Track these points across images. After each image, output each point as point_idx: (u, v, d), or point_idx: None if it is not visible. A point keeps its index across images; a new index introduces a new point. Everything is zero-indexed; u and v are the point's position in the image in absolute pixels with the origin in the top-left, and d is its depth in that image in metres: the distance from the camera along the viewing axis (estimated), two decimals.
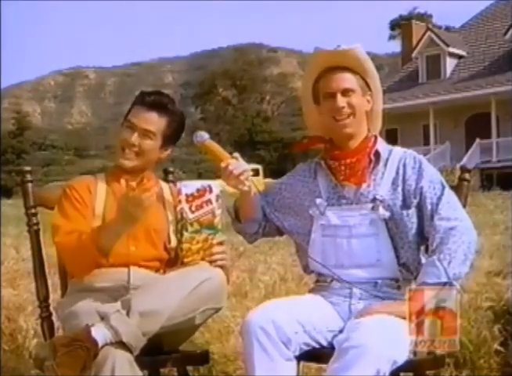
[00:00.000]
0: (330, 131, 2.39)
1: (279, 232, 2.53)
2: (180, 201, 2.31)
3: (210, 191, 2.30)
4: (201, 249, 2.31)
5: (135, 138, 2.42)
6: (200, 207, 2.30)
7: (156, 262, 2.45)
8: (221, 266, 2.32)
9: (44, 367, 2.04)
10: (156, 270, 2.44)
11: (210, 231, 2.31)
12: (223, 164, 2.31)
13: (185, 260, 2.32)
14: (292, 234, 2.47)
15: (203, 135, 2.39)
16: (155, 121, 2.43)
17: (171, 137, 2.49)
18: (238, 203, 2.46)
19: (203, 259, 2.31)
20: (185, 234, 2.30)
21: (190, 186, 2.31)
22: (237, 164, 2.31)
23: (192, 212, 2.29)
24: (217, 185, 2.33)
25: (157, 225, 2.45)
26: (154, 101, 2.44)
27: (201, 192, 2.30)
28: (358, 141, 2.38)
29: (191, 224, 2.30)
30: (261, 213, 2.48)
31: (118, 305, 2.17)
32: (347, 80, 2.35)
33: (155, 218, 2.45)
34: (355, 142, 2.37)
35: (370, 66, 2.38)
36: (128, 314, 2.12)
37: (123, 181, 2.45)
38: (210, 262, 2.31)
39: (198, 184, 2.32)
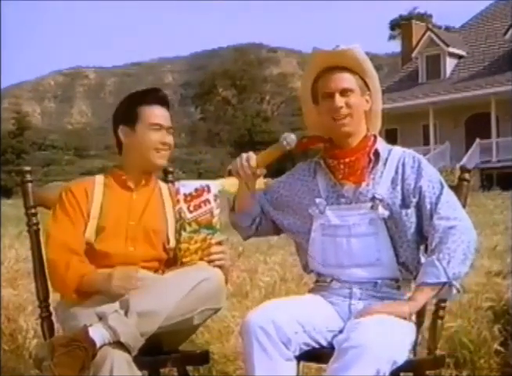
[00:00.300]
0: (329, 130, 2.39)
1: (275, 231, 2.53)
2: (178, 201, 2.31)
3: (209, 191, 2.30)
4: (199, 249, 2.31)
5: (169, 138, 2.49)
6: (199, 206, 2.30)
7: (155, 262, 2.45)
8: (220, 266, 2.32)
9: (42, 367, 2.04)
10: (155, 271, 2.44)
11: (209, 231, 2.31)
12: (243, 155, 2.33)
13: (184, 260, 2.32)
14: (291, 233, 2.47)
15: (292, 142, 2.32)
16: (168, 117, 2.52)
17: None
18: (236, 193, 2.47)
19: (201, 259, 2.31)
20: (184, 234, 2.30)
21: (188, 185, 2.32)
22: (247, 174, 2.31)
23: (191, 212, 2.29)
24: (215, 185, 2.33)
25: (156, 225, 2.45)
26: (163, 98, 2.52)
27: (199, 192, 2.30)
28: (357, 140, 2.38)
29: (189, 224, 2.30)
30: (258, 209, 2.48)
31: (116, 305, 2.17)
32: (346, 80, 2.35)
33: (154, 218, 2.46)
34: (353, 141, 2.37)
35: (369, 66, 2.39)
36: (126, 314, 2.12)
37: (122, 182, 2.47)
38: (209, 262, 2.31)
39: (196, 184, 2.32)
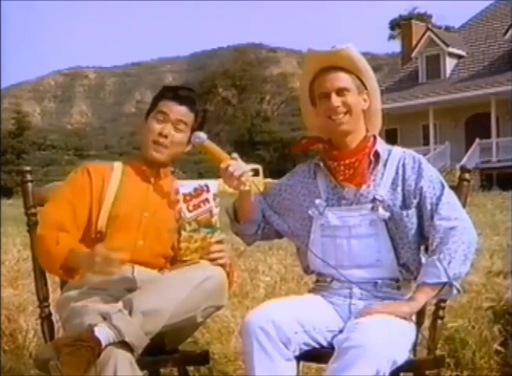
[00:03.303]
0: (327, 131, 2.39)
1: (278, 234, 2.53)
2: (178, 201, 2.32)
3: (208, 190, 2.32)
4: (199, 248, 2.32)
5: (168, 129, 2.45)
6: (198, 206, 2.31)
7: (162, 258, 2.46)
8: (221, 265, 2.33)
9: (49, 367, 2.04)
10: (161, 268, 2.44)
11: (208, 230, 2.32)
12: (223, 165, 2.31)
13: (184, 258, 2.33)
14: (292, 236, 2.47)
15: (202, 136, 2.42)
16: (186, 115, 2.47)
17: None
18: (237, 203, 2.46)
19: (201, 258, 2.32)
20: (184, 233, 2.32)
21: (187, 185, 2.34)
22: (237, 165, 2.31)
23: (190, 211, 2.31)
24: (214, 184, 2.34)
25: (171, 224, 2.42)
26: (186, 96, 2.49)
27: (198, 191, 2.32)
28: (356, 140, 2.37)
29: (189, 223, 2.31)
30: (260, 215, 2.48)
31: (120, 304, 2.17)
32: (342, 79, 2.34)
33: (170, 215, 2.42)
34: (352, 141, 2.37)
35: (364, 65, 2.37)
36: (130, 314, 2.12)
37: (141, 173, 2.48)
38: (210, 261, 2.31)
39: (195, 183, 2.34)
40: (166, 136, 2.44)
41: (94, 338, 2.04)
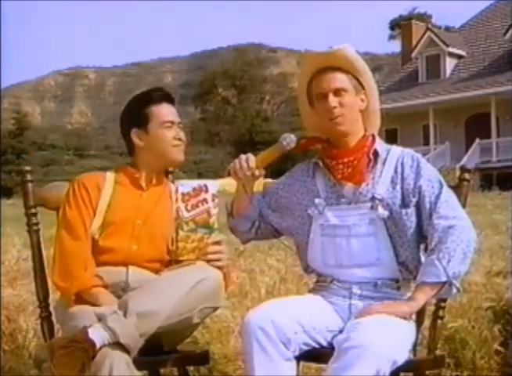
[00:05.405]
0: (326, 131, 2.39)
1: (275, 234, 2.53)
2: (176, 200, 2.33)
3: (206, 191, 2.32)
4: (196, 248, 2.32)
5: (181, 133, 2.52)
6: (196, 206, 2.31)
7: (157, 263, 2.45)
8: (218, 267, 2.32)
9: (42, 369, 2.04)
10: (156, 272, 2.43)
11: (206, 230, 2.32)
12: (245, 156, 2.31)
13: (180, 258, 2.33)
14: (291, 235, 2.47)
15: (292, 142, 2.33)
16: (176, 113, 2.56)
17: None
18: (234, 197, 2.46)
19: (198, 258, 2.31)
20: (181, 233, 2.32)
21: (186, 185, 2.34)
22: (247, 167, 2.29)
23: (188, 211, 2.31)
24: (213, 184, 2.34)
25: (164, 229, 2.44)
26: (168, 95, 2.55)
27: (197, 191, 2.32)
28: (354, 140, 2.37)
29: (186, 223, 2.32)
30: (256, 213, 2.47)
31: (115, 306, 2.16)
32: (338, 80, 2.34)
33: (161, 220, 2.44)
34: (351, 140, 2.37)
35: (361, 64, 2.37)
36: (125, 315, 2.12)
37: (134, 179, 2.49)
38: (207, 262, 2.31)
39: (194, 183, 2.34)
40: (180, 139, 2.50)
41: (88, 339, 2.04)
